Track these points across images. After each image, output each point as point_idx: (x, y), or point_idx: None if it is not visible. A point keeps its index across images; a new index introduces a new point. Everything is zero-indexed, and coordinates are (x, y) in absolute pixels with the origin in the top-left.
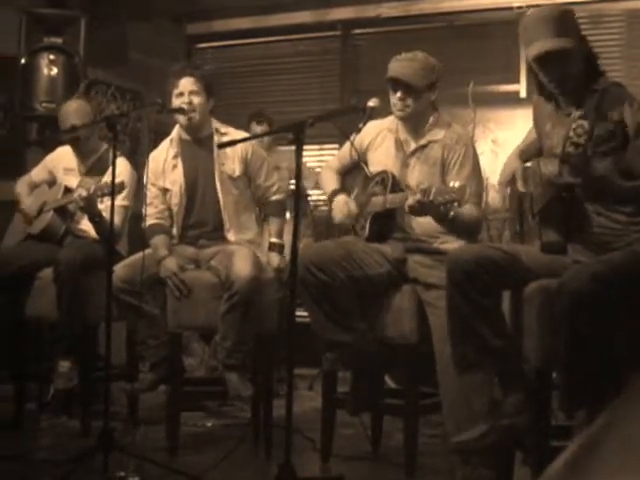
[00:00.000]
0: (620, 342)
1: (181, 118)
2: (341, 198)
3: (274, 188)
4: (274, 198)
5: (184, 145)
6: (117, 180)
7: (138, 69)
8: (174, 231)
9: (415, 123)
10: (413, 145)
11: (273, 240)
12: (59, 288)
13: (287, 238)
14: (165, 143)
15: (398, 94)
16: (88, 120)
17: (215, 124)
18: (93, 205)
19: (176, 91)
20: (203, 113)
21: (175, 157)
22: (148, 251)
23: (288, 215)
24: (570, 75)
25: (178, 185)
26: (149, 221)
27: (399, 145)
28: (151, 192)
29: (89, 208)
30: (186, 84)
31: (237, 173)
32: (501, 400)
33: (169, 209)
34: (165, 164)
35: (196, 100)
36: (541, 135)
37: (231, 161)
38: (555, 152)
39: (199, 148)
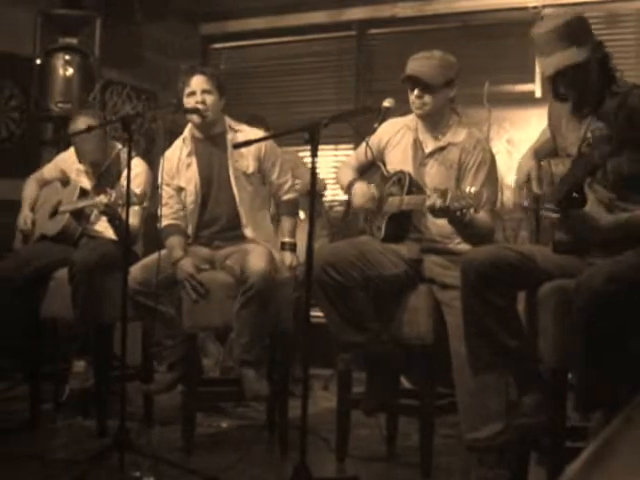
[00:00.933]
0: (637, 342)
1: (194, 117)
2: (360, 184)
3: (287, 186)
4: (286, 197)
5: (197, 143)
6: (139, 189)
7: (153, 69)
8: (189, 230)
9: (434, 121)
10: (431, 146)
11: (285, 239)
12: (74, 288)
13: (302, 238)
14: (178, 142)
15: (416, 92)
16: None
17: (228, 121)
18: (114, 210)
19: (188, 90)
20: (215, 111)
21: (189, 155)
22: (163, 252)
23: (302, 215)
24: (588, 83)
25: (193, 183)
26: (164, 222)
27: (418, 144)
28: (166, 192)
29: (110, 213)
30: (198, 83)
31: (251, 169)
32: (517, 400)
33: (184, 209)
34: (179, 163)
35: (208, 99)
36: (556, 135)
37: (245, 158)
38: (569, 152)
39: (212, 146)
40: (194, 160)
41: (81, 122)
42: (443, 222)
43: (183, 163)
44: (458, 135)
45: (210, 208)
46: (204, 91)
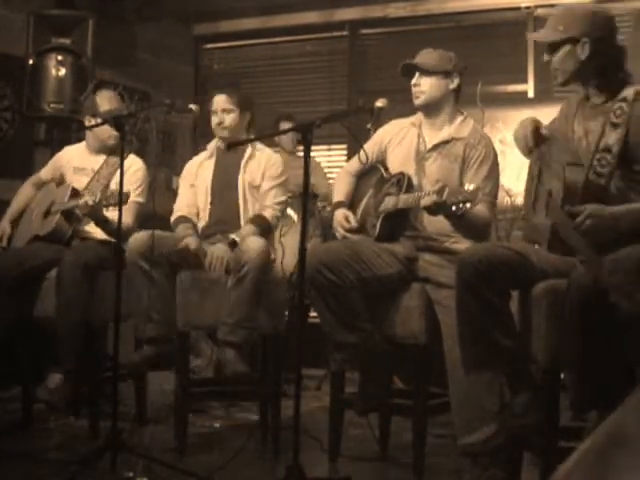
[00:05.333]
0: (631, 340)
1: (216, 130)
2: (340, 212)
3: (270, 202)
4: (265, 213)
5: (219, 152)
6: (136, 185)
7: (146, 69)
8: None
9: (435, 114)
10: (435, 139)
11: (233, 235)
12: (57, 292)
13: (295, 238)
14: (205, 151)
15: (413, 80)
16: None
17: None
18: (98, 213)
19: (212, 108)
20: (235, 130)
21: (209, 159)
22: (158, 232)
23: (295, 216)
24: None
25: (204, 185)
26: (176, 214)
27: (421, 139)
28: (182, 186)
29: (94, 215)
30: (219, 102)
31: (258, 182)
32: (510, 400)
33: (196, 206)
34: (199, 165)
35: (228, 119)
36: (564, 131)
37: (255, 172)
38: (579, 147)
39: (231, 156)
40: (212, 165)
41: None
42: (439, 219)
43: (202, 165)
44: (462, 131)
45: (217, 212)
46: (224, 110)
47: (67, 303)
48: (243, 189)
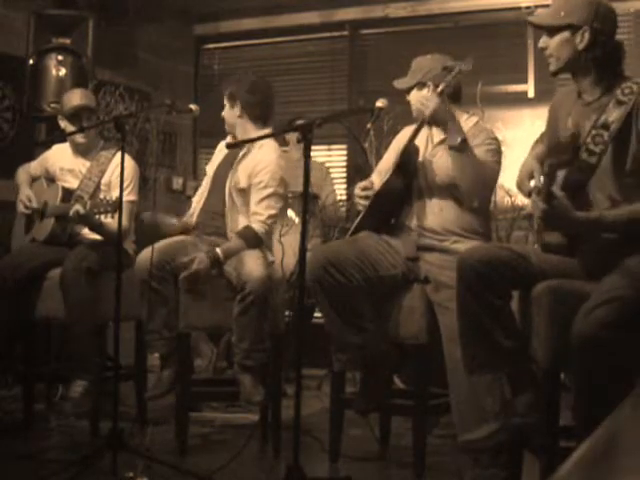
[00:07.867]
0: (633, 344)
1: None
2: (357, 185)
3: (260, 215)
4: (254, 225)
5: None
6: (127, 191)
7: (146, 69)
8: (193, 219)
9: (431, 119)
10: (440, 137)
11: (217, 250)
12: (64, 299)
13: (296, 239)
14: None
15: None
16: (92, 103)
17: (254, 134)
18: (89, 220)
19: None
20: (229, 122)
21: (222, 154)
22: (157, 244)
23: (295, 217)
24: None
25: (210, 174)
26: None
27: (430, 138)
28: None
29: (86, 222)
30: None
31: (241, 185)
32: (511, 400)
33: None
34: (219, 151)
35: (223, 112)
36: (557, 129)
37: (242, 173)
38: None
39: (236, 151)
40: (218, 161)
41: (77, 90)
42: (442, 215)
43: (221, 151)
44: (465, 126)
45: (209, 208)
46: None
47: (73, 308)
48: (229, 190)
